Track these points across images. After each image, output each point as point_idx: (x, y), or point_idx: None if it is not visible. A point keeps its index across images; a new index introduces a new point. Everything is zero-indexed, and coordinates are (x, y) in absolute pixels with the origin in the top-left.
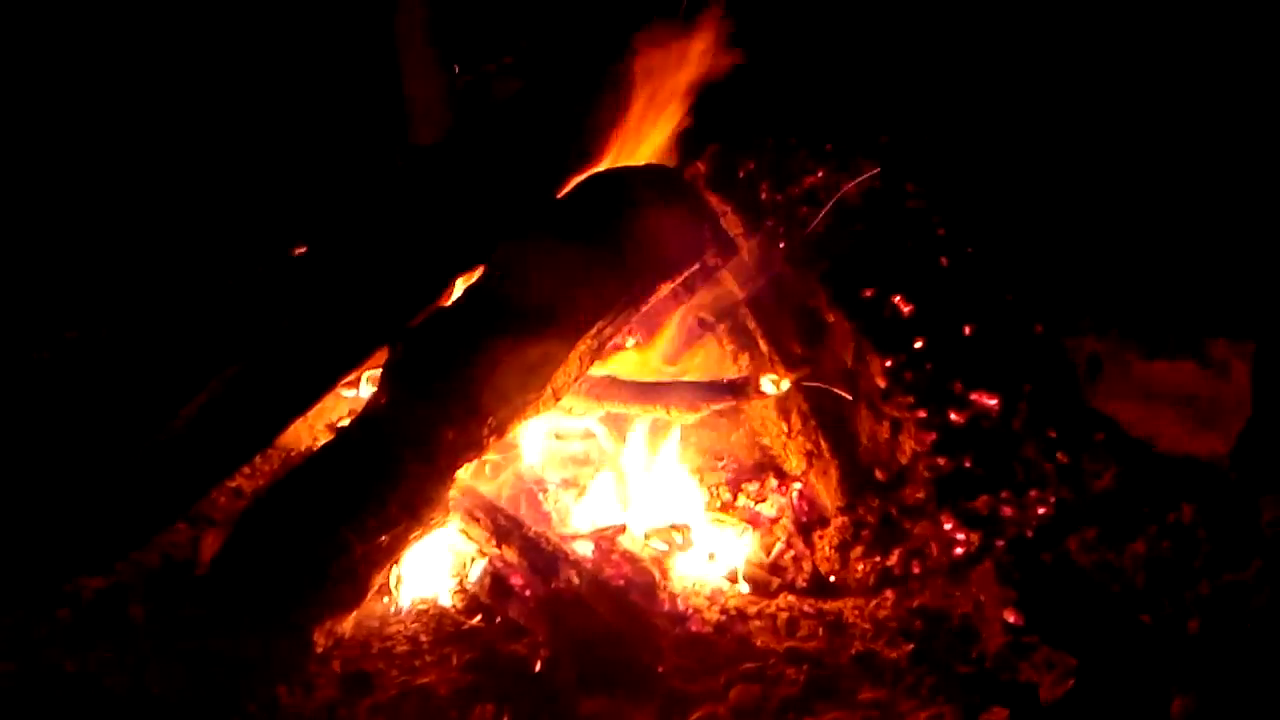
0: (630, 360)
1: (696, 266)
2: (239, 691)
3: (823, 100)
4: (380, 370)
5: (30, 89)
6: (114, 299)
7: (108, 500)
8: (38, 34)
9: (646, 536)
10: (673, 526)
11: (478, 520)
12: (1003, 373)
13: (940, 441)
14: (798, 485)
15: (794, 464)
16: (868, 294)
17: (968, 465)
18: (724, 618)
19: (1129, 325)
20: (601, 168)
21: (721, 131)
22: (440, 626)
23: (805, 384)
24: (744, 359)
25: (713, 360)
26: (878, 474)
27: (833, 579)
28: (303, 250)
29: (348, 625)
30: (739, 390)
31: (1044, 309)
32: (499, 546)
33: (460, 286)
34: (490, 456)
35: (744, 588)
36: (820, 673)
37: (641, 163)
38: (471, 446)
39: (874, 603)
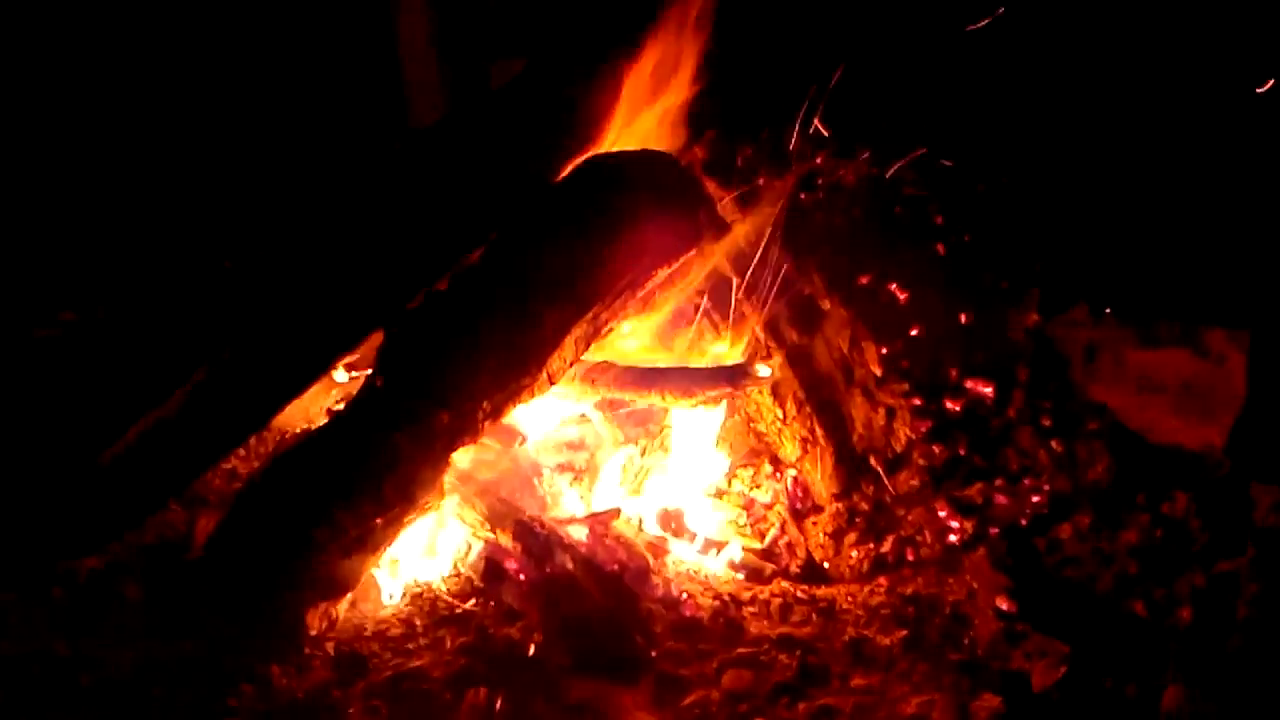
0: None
1: (693, 252)
2: (233, 672)
3: (820, 86)
4: (375, 353)
5: (27, 79)
6: (112, 281)
7: (103, 480)
8: (34, 23)
9: (641, 521)
10: (667, 511)
11: (473, 504)
12: (998, 361)
13: (935, 429)
14: (792, 472)
15: (789, 450)
16: (864, 281)
17: (962, 453)
18: (717, 603)
19: (1124, 314)
20: (599, 151)
21: (719, 117)
22: (434, 610)
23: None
24: (740, 345)
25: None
26: (872, 461)
27: (826, 565)
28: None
29: (342, 607)
30: (734, 377)
31: (1040, 297)
32: (494, 530)
33: (456, 270)
34: (486, 440)
35: (738, 573)
36: (813, 659)
37: (639, 147)
38: (466, 430)
39: (867, 589)
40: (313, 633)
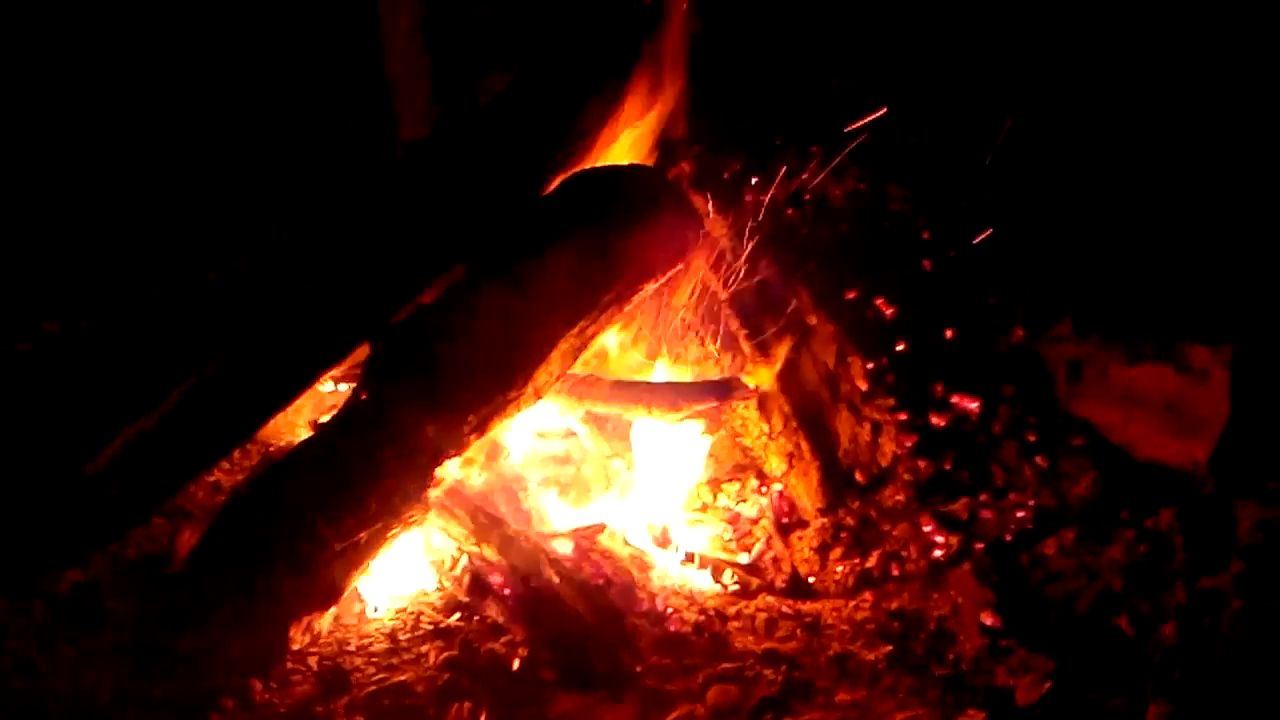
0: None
1: (680, 266)
2: (215, 687)
3: (808, 102)
4: (361, 366)
5: (13, 86)
6: (96, 292)
7: (86, 492)
8: (15, 27)
9: (626, 536)
10: (653, 526)
11: (457, 518)
12: (983, 376)
13: (920, 444)
14: (778, 486)
15: (774, 465)
16: (850, 296)
17: (947, 468)
18: (702, 618)
19: (1109, 331)
20: (586, 167)
21: (707, 132)
22: (418, 624)
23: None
24: (726, 360)
25: (695, 361)
26: (858, 476)
27: (812, 580)
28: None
29: (325, 622)
30: (721, 391)
31: (1025, 313)
32: (479, 544)
33: (443, 283)
34: (471, 454)
35: (723, 588)
36: (798, 674)
37: (625, 162)
38: (452, 444)
39: (852, 604)
40: (295, 647)
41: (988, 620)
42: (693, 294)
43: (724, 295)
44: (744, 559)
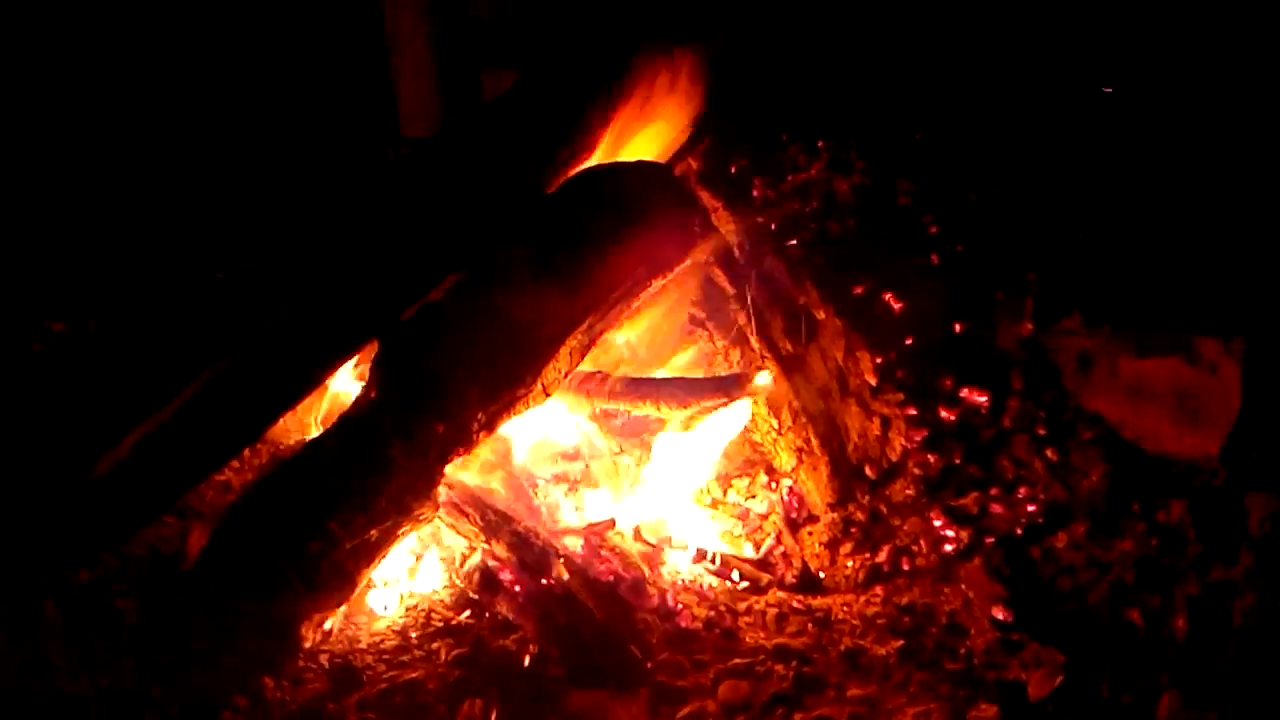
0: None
1: (687, 263)
2: (226, 685)
3: (815, 96)
4: (369, 364)
5: (19, 84)
6: (103, 292)
7: (96, 493)
8: (25, 26)
9: (636, 532)
10: (662, 522)
11: (467, 515)
12: (993, 370)
13: (930, 438)
14: (788, 482)
15: (784, 460)
16: (858, 291)
17: (957, 462)
18: (713, 614)
19: (1119, 323)
20: (593, 163)
21: (714, 127)
22: (429, 621)
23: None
24: (735, 355)
25: (703, 357)
26: (868, 471)
27: (822, 575)
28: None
29: (336, 620)
30: (730, 387)
31: (1034, 306)
32: (489, 541)
33: (451, 281)
34: (480, 452)
35: (733, 584)
36: (809, 669)
37: (634, 158)
38: (461, 441)
39: (863, 599)
40: (307, 645)
41: (999, 614)
42: (701, 289)
43: (731, 290)
44: (754, 555)
